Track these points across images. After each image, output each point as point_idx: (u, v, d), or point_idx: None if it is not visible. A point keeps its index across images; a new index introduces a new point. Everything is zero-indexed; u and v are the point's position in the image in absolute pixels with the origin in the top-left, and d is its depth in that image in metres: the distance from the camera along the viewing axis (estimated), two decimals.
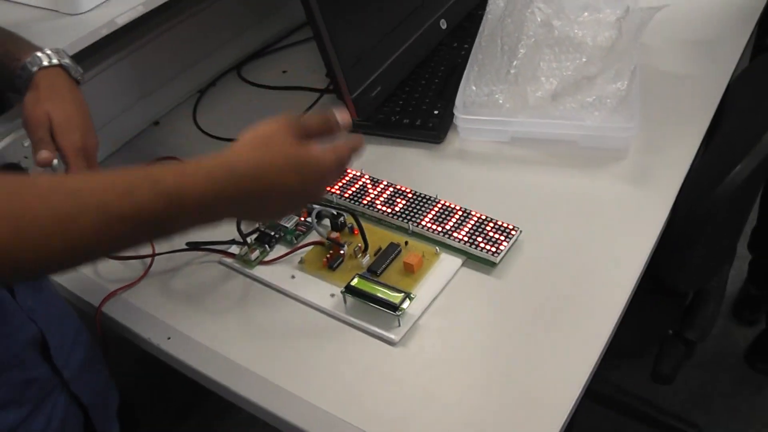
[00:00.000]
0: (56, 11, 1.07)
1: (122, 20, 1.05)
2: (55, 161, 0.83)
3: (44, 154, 0.81)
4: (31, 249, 0.54)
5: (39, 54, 0.87)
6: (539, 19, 1.16)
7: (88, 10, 1.07)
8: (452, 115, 1.11)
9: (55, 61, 0.87)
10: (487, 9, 1.31)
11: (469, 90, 1.14)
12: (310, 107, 1.24)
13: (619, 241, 0.94)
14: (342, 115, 0.74)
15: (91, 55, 1.09)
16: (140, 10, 1.07)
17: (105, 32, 1.04)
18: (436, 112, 1.16)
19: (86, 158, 0.84)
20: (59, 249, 0.55)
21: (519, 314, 0.86)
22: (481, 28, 1.26)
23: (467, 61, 1.20)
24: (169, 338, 0.89)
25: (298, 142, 0.68)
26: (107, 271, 0.99)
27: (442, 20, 1.31)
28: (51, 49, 0.88)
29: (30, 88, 0.86)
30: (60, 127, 0.83)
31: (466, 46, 1.29)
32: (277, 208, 0.70)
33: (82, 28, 1.03)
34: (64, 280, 0.99)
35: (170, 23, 1.26)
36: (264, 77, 1.37)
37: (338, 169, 0.72)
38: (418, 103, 1.19)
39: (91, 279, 0.99)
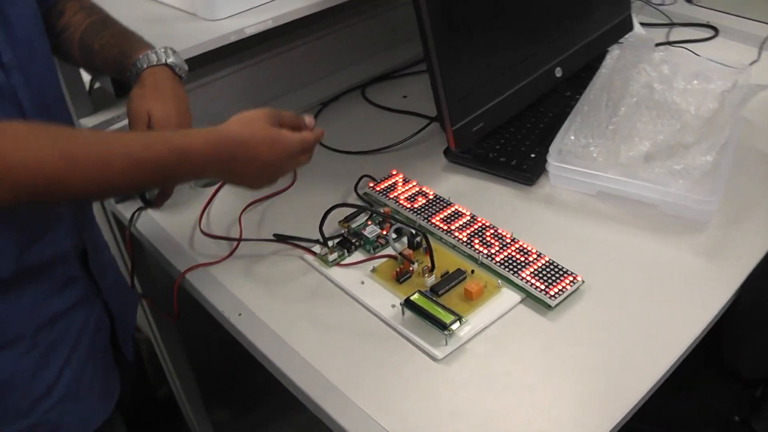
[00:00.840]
0: (194, 15, 1.19)
1: (251, 31, 1.15)
2: None
3: None
4: (78, 180, 0.74)
5: (149, 53, 0.98)
6: (643, 80, 1.18)
7: (223, 18, 1.18)
8: (546, 160, 1.15)
9: (162, 59, 0.98)
10: (603, 63, 1.35)
11: (567, 139, 1.18)
12: (417, 133, 1.31)
13: (677, 311, 0.95)
14: (308, 118, 0.96)
15: (227, 56, 1.20)
16: (269, 24, 1.17)
17: (233, 39, 1.14)
18: (533, 155, 1.21)
19: None
20: (96, 182, 0.76)
21: (561, 359, 0.89)
22: (593, 81, 1.30)
23: None
24: (240, 314, 0.98)
25: (272, 125, 0.89)
26: (201, 245, 1.10)
27: (558, 68, 1.35)
28: (161, 48, 0.99)
29: (137, 84, 0.97)
30: (158, 125, 0.94)
31: (578, 96, 1.32)
32: (252, 173, 0.89)
33: (213, 33, 1.14)
34: (159, 243, 1.11)
35: (307, 38, 1.36)
36: (385, 99, 1.45)
37: (302, 150, 0.92)
38: (518, 144, 1.24)
39: (184, 249, 1.10)
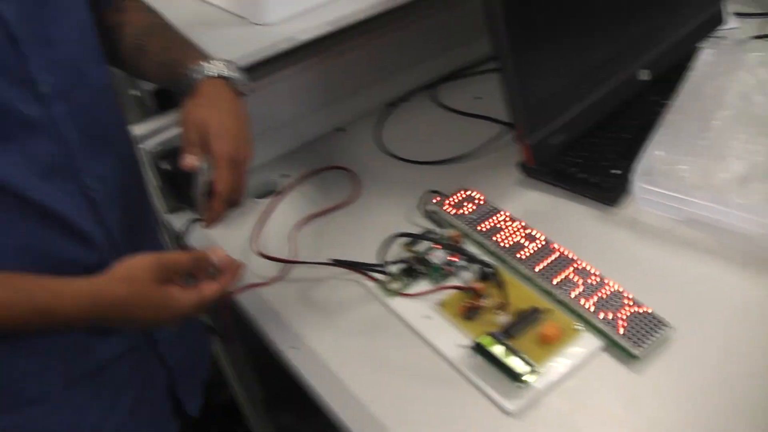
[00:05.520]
0: (244, 18, 1.10)
1: (304, 37, 1.06)
2: (205, 165, 0.84)
3: (189, 159, 0.83)
4: None
5: (204, 63, 0.89)
6: (739, 90, 1.06)
7: (274, 22, 1.09)
8: (630, 178, 1.05)
9: (221, 72, 0.89)
10: (694, 64, 1.22)
11: (653, 155, 1.07)
12: (488, 142, 1.21)
13: None
14: (217, 254, 0.81)
15: (287, 56, 1.12)
16: (325, 29, 1.07)
17: (284, 46, 1.05)
18: (616, 171, 1.10)
19: (236, 167, 0.84)
20: None
21: (649, 420, 0.80)
22: (681, 86, 1.18)
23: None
24: (293, 348, 0.91)
25: (158, 282, 0.75)
26: (255, 263, 1.03)
27: (643, 70, 1.23)
28: (220, 60, 0.90)
29: (192, 94, 0.88)
30: (214, 133, 0.84)
31: (665, 102, 1.20)
32: (135, 328, 0.84)
33: (264, 40, 1.06)
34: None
35: (372, 34, 1.26)
36: (456, 101, 1.36)
37: (197, 308, 0.78)
38: (599, 158, 1.13)
39: None
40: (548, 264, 0.96)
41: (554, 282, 0.93)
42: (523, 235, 1.01)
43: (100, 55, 0.86)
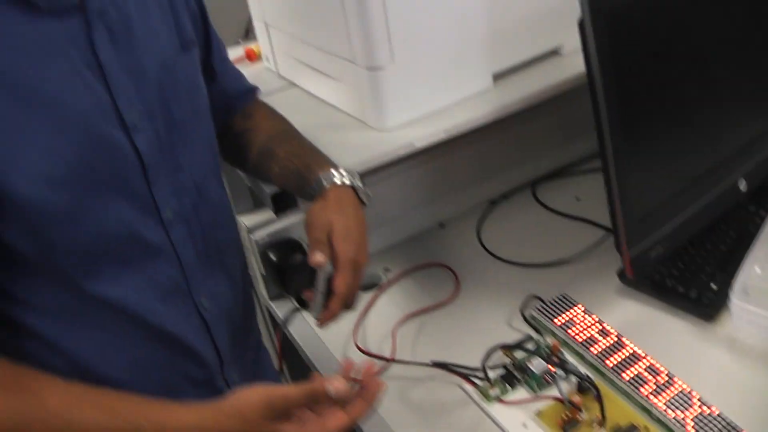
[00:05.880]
0: (363, 122, 1.16)
1: (421, 144, 1.12)
2: (328, 265, 0.89)
3: (319, 257, 0.87)
4: None
5: (334, 172, 0.95)
6: None
7: (393, 127, 1.14)
8: (728, 294, 1.05)
9: (347, 182, 0.95)
10: None
11: (751, 270, 1.07)
12: (589, 248, 1.24)
13: None
14: (335, 385, 0.74)
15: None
16: (441, 137, 1.13)
17: (402, 153, 1.11)
18: (713, 285, 1.11)
19: (354, 270, 0.89)
20: None
21: None
22: None
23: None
24: None
25: (270, 420, 0.72)
26: (354, 358, 1.05)
27: (742, 180, 1.24)
28: (345, 170, 0.96)
29: (319, 197, 0.93)
30: (339, 235, 0.88)
31: (763, 213, 1.21)
32: None
33: (383, 145, 1.11)
34: (311, 350, 1.10)
35: (478, 136, 1.30)
36: (556, 200, 1.39)
37: None
38: (698, 271, 1.14)
39: (336, 361, 1.08)
40: (647, 381, 0.97)
41: (652, 400, 0.94)
42: (622, 349, 1.02)
43: (219, 169, 0.93)
